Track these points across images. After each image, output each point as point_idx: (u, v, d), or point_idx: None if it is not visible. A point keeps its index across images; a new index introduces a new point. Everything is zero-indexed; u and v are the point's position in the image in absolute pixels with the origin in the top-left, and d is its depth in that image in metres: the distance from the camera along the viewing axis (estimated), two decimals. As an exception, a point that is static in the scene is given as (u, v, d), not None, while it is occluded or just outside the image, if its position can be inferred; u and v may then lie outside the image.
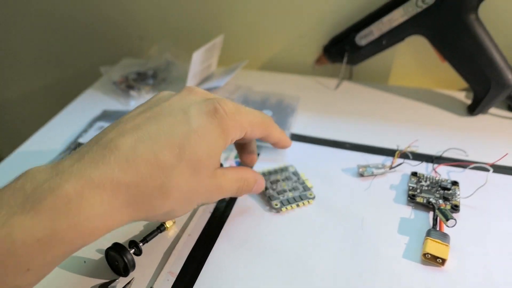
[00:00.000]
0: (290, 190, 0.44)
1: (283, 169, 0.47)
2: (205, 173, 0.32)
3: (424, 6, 0.55)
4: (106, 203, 0.27)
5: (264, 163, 0.49)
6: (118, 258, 0.35)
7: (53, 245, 0.26)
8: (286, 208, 0.42)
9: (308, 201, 0.43)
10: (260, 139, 0.40)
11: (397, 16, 0.57)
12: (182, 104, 0.32)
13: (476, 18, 0.54)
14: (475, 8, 0.54)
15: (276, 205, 0.42)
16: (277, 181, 0.45)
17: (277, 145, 0.42)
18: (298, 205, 0.43)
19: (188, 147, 0.30)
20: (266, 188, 0.44)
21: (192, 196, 0.32)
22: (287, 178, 0.45)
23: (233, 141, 0.35)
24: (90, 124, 0.57)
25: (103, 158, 0.28)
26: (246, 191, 0.38)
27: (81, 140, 0.53)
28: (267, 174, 0.46)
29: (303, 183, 0.45)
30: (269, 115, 0.42)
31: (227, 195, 0.36)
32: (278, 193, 0.44)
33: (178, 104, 0.32)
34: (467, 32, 0.54)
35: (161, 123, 0.31)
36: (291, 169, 0.47)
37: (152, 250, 0.39)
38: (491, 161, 0.46)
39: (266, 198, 0.43)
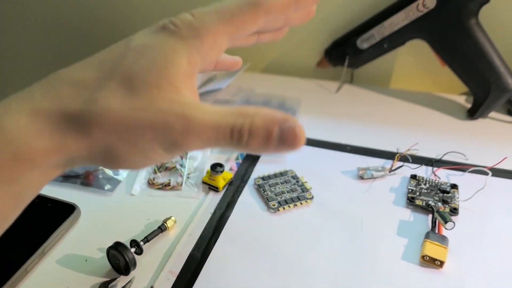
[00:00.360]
0: (288, 192, 0.45)
1: (282, 173, 0.47)
2: (150, 95, 0.23)
3: (425, 10, 0.55)
4: (24, 127, 0.23)
5: (263, 165, 0.49)
6: (119, 257, 0.36)
7: None
8: (284, 208, 0.43)
9: (306, 201, 0.43)
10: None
11: (398, 20, 0.57)
12: (132, 35, 0.26)
13: (476, 22, 0.54)
14: (475, 13, 0.54)
15: (274, 205, 0.43)
16: (276, 184, 0.46)
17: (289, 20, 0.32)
18: (295, 205, 0.43)
19: (121, 65, 0.24)
20: (264, 190, 0.45)
21: (137, 126, 0.23)
22: (286, 181, 0.46)
23: (215, 54, 0.26)
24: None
25: (29, 88, 0.25)
26: (254, 140, 0.22)
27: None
28: (266, 179, 0.46)
29: (302, 185, 0.45)
30: None
31: (206, 138, 0.23)
32: (276, 194, 0.44)
33: (131, 35, 0.26)
34: (467, 37, 0.54)
35: (100, 52, 0.26)
36: (290, 174, 0.47)
37: (153, 250, 0.39)
38: (490, 165, 0.47)
39: (264, 199, 0.44)
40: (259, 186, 0.45)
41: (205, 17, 0.25)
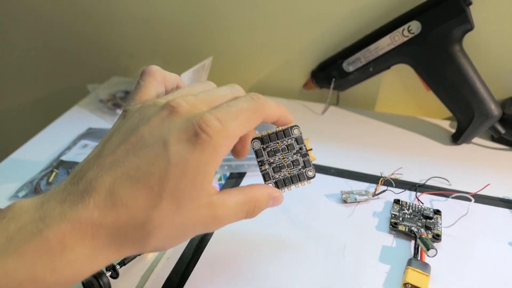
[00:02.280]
0: (288, 166, 0.37)
1: (285, 133, 0.38)
2: (192, 206, 0.29)
3: (410, 36, 0.56)
4: (87, 246, 0.26)
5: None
6: (94, 281, 0.35)
7: None
8: (282, 190, 0.37)
9: (308, 182, 0.38)
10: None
11: (384, 45, 0.58)
12: (162, 131, 0.29)
13: (460, 49, 0.55)
14: (459, 39, 0.55)
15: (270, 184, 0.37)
16: (277, 151, 0.38)
17: (279, 123, 0.36)
18: (296, 186, 0.37)
19: (167, 184, 0.28)
20: (262, 163, 0.37)
21: (182, 231, 0.30)
22: (288, 148, 0.38)
23: (227, 152, 0.31)
24: (74, 142, 0.56)
25: (82, 201, 0.27)
26: (259, 211, 0.33)
27: (63, 158, 0.52)
28: (266, 140, 0.38)
29: (305, 155, 0.38)
30: (255, 93, 0.33)
31: (231, 222, 0.32)
32: (274, 170, 0.37)
33: (157, 131, 0.29)
34: (451, 63, 0.55)
35: (140, 158, 0.28)
36: (295, 133, 0.38)
37: (130, 273, 0.38)
38: (473, 191, 0.47)
39: (261, 175, 0.38)
40: (256, 153, 0.38)
41: (229, 124, 0.29)
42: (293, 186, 0.37)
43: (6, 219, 0.27)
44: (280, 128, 0.37)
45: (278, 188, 0.37)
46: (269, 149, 0.37)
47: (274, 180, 0.37)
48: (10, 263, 0.25)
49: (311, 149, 0.38)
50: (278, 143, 0.37)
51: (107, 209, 0.27)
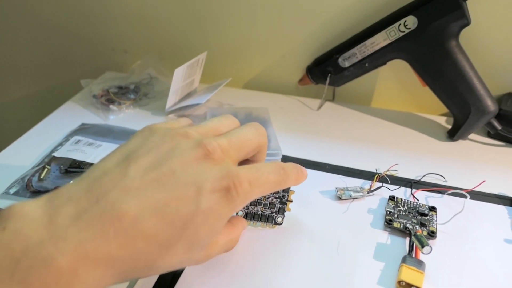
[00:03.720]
0: (264, 205, 0.40)
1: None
2: (199, 249, 0.30)
3: (406, 31, 0.55)
4: (97, 277, 0.25)
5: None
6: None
7: None
8: (248, 223, 0.40)
9: (272, 226, 0.41)
10: None
11: (380, 40, 0.57)
12: (197, 174, 0.29)
13: (457, 44, 0.55)
14: (456, 35, 0.54)
15: (240, 213, 0.40)
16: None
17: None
18: (261, 226, 0.41)
19: (190, 228, 0.28)
20: None
21: (179, 267, 0.31)
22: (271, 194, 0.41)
23: None
24: (67, 138, 0.56)
25: (102, 228, 0.26)
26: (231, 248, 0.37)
27: (56, 154, 0.52)
28: None
29: (283, 203, 0.41)
30: (279, 161, 0.38)
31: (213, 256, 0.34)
32: (251, 202, 0.40)
33: (192, 173, 0.29)
34: (447, 58, 0.54)
35: (170, 194, 0.28)
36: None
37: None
38: (469, 187, 0.46)
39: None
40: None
41: (256, 190, 0.31)
42: (258, 223, 0.40)
43: (8, 232, 0.24)
44: None
45: (246, 218, 0.40)
46: None
47: (246, 210, 0.40)
48: None
49: (291, 201, 0.41)
50: None
51: (127, 241, 0.26)
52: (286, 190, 0.41)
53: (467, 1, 0.53)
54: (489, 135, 0.59)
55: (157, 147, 0.31)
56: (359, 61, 0.60)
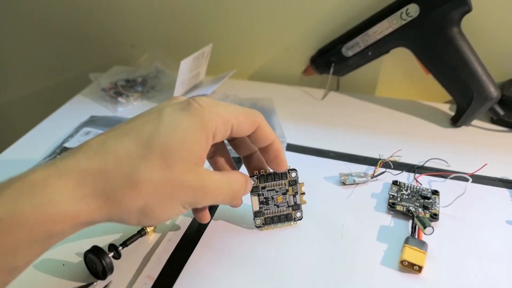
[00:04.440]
0: (279, 206, 0.40)
1: (283, 175, 0.40)
2: (181, 167, 0.29)
3: (408, 19, 0.56)
4: (71, 190, 0.27)
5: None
6: (97, 261, 0.35)
7: (14, 226, 0.26)
8: (267, 228, 0.40)
9: (294, 223, 0.41)
10: (252, 141, 0.36)
11: (382, 28, 0.58)
12: (159, 106, 0.33)
13: (458, 31, 0.55)
14: (457, 22, 0.55)
15: (258, 223, 0.40)
16: (273, 191, 0.40)
17: (270, 152, 0.37)
18: (280, 227, 0.41)
19: (158, 139, 0.29)
20: (259, 194, 0.39)
21: (170, 191, 0.29)
22: (281, 189, 0.40)
23: (219, 136, 0.32)
24: (77, 129, 0.57)
25: (73, 152, 0.29)
26: (240, 196, 0.36)
27: (66, 145, 0.53)
28: (263, 179, 0.39)
29: (296, 199, 0.40)
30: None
31: (218, 199, 0.33)
32: (266, 208, 0.40)
33: (155, 108, 0.33)
34: (449, 45, 0.55)
35: (135, 122, 0.31)
36: (293, 176, 0.40)
37: (132, 254, 0.39)
38: (471, 171, 0.47)
39: (253, 211, 0.40)
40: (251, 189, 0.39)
41: (221, 108, 0.32)
42: (279, 224, 0.40)
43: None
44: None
45: (265, 225, 0.40)
46: (266, 188, 0.39)
47: (264, 217, 0.40)
48: None
49: (303, 193, 0.41)
50: (275, 183, 0.40)
51: (96, 156, 0.28)
52: (294, 183, 0.40)
53: (468, -12, 0.53)
54: (492, 121, 0.59)
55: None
56: (362, 50, 0.61)
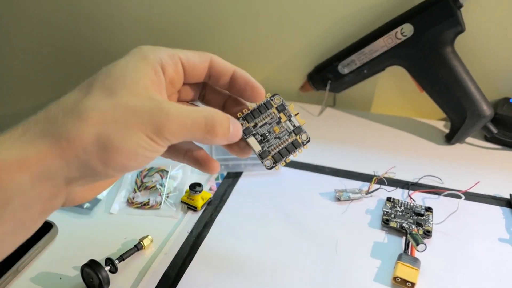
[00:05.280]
0: (280, 137, 0.35)
1: (267, 105, 0.35)
2: (126, 92, 0.27)
3: (403, 38, 0.57)
4: (16, 137, 0.26)
5: (244, 182, 0.50)
6: (93, 275, 0.36)
7: None
8: (281, 164, 0.35)
9: (304, 147, 0.35)
10: (212, 79, 0.33)
11: (378, 47, 0.59)
12: None
13: (452, 50, 0.56)
14: (451, 41, 0.56)
15: (268, 164, 0.35)
16: (266, 124, 0.35)
17: (240, 81, 0.34)
18: (293, 155, 0.35)
19: (98, 77, 0.28)
20: (253, 134, 0.35)
21: (121, 117, 0.26)
22: (273, 120, 0.35)
23: (171, 70, 0.30)
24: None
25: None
26: (219, 130, 0.29)
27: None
28: (250, 118, 0.35)
29: (294, 122, 0.35)
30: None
31: (186, 126, 0.28)
32: (269, 145, 0.35)
33: None
34: (443, 64, 0.56)
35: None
36: (277, 102, 0.35)
37: (128, 268, 0.39)
38: (464, 189, 0.48)
39: (257, 154, 0.35)
40: (244, 133, 0.34)
41: (161, 49, 0.30)
42: (291, 156, 0.35)
43: None
44: (261, 102, 0.34)
45: (276, 162, 0.35)
46: (258, 125, 0.35)
47: (272, 155, 0.35)
48: None
49: (297, 113, 0.35)
50: (264, 116, 0.35)
51: (42, 110, 0.27)
52: (283, 107, 0.35)
53: (461, 9, 0.55)
54: (486, 138, 0.60)
55: None
56: (358, 67, 0.62)
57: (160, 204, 0.47)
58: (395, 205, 0.46)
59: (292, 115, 0.35)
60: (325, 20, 0.65)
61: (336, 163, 0.54)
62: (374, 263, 0.40)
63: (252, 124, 0.34)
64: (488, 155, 0.57)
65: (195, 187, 0.46)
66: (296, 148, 0.35)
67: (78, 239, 0.43)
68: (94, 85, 0.27)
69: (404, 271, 0.37)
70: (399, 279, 0.37)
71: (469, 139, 0.60)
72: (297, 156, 0.35)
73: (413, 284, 0.36)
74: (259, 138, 0.35)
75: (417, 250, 0.39)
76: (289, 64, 0.71)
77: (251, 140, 0.35)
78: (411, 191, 0.49)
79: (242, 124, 0.34)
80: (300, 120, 0.35)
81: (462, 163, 0.55)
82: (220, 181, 0.51)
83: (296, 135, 0.35)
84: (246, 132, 0.34)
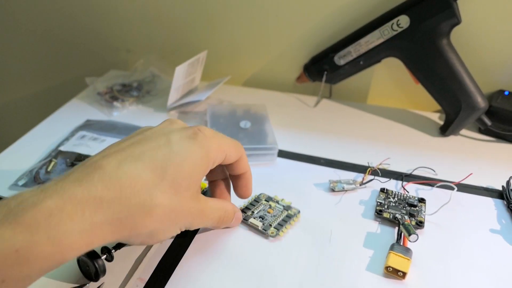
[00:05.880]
0: (275, 215, 0.44)
1: (257, 200, 0.46)
2: (187, 194, 0.33)
3: (399, 30, 0.57)
4: (87, 218, 0.27)
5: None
6: (89, 263, 0.36)
7: (31, 257, 0.26)
8: (283, 231, 0.42)
9: (297, 217, 0.44)
10: (230, 168, 0.40)
11: (374, 39, 0.59)
12: (164, 131, 0.34)
13: (448, 43, 0.56)
14: (447, 33, 0.56)
15: (273, 232, 0.42)
16: (262, 210, 0.45)
17: (243, 180, 0.41)
18: (290, 224, 0.43)
19: (170, 167, 0.31)
20: (254, 217, 0.44)
21: (176, 217, 0.32)
22: (267, 206, 0.45)
23: (215, 164, 0.36)
24: (73, 133, 0.58)
25: (87, 176, 0.29)
26: (226, 222, 0.39)
27: (62, 148, 0.54)
28: (246, 211, 0.44)
29: (281, 204, 0.45)
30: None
31: (208, 223, 0.37)
32: (264, 218, 0.44)
33: (160, 131, 0.34)
34: (439, 56, 0.56)
35: (145, 146, 0.32)
36: (262, 198, 0.46)
37: (125, 257, 0.40)
38: (457, 180, 0.48)
39: (260, 231, 0.43)
40: (244, 220, 0.43)
41: (219, 137, 0.36)
42: (288, 225, 0.43)
43: (8, 199, 0.27)
44: (252, 199, 0.46)
45: (278, 230, 0.42)
46: (255, 212, 0.44)
47: (274, 226, 0.43)
48: (8, 231, 0.25)
49: (282, 199, 0.46)
50: (257, 205, 0.45)
51: (111, 183, 0.29)
52: (269, 199, 0.46)
53: (457, 1, 0.55)
54: (480, 131, 0.61)
55: (134, 133, 0.36)
56: (354, 59, 0.62)
57: (156, 194, 0.47)
58: (389, 196, 0.47)
59: (279, 201, 0.46)
60: (321, 10, 0.65)
61: (331, 154, 0.55)
62: (367, 253, 0.40)
63: (249, 212, 0.44)
64: (482, 147, 0.58)
65: (190, 177, 0.46)
66: (291, 218, 0.44)
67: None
68: (165, 178, 0.31)
69: (396, 261, 0.38)
70: (391, 269, 0.37)
71: (463, 131, 0.61)
72: (294, 224, 0.44)
73: (404, 273, 0.37)
74: (259, 218, 0.43)
75: (409, 241, 0.39)
76: (285, 55, 0.71)
77: (253, 221, 0.43)
78: (404, 182, 0.49)
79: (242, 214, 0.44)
80: (287, 202, 0.46)
81: (456, 155, 0.56)
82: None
83: (287, 211, 0.44)
84: (246, 218, 0.43)
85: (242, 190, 0.42)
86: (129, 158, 0.31)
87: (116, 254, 0.39)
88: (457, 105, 0.57)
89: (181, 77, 0.64)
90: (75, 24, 0.80)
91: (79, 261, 0.38)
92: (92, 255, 0.36)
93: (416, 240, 0.39)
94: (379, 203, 0.45)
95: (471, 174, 0.48)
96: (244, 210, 0.45)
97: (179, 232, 0.34)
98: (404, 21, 0.57)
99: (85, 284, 0.37)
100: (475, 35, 0.60)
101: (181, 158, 0.32)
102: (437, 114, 0.66)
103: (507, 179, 0.49)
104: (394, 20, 0.57)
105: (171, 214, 0.32)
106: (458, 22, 0.55)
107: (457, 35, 0.58)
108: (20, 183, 0.49)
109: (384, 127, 0.62)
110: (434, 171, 0.52)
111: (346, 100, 0.70)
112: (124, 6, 0.75)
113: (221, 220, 0.38)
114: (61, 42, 0.84)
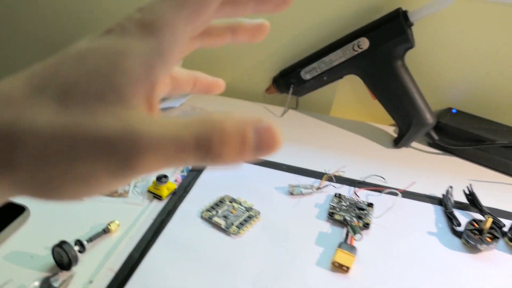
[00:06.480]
0: (237, 215, 0.48)
1: (221, 201, 0.50)
2: (88, 108, 0.17)
3: (359, 51, 0.63)
4: None
5: (208, 177, 0.54)
6: (63, 254, 0.40)
7: None
8: (244, 230, 0.47)
9: (257, 217, 0.48)
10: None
11: (337, 57, 0.65)
12: None
13: (402, 64, 0.62)
14: (402, 56, 0.62)
15: (234, 231, 0.46)
16: (226, 210, 0.49)
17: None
18: (251, 224, 0.48)
19: (55, 76, 0.18)
20: (218, 216, 0.48)
21: (70, 144, 0.16)
22: (231, 207, 0.50)
23: (174, 55, 0.20)
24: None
25: None
26: (231, 143, 0.17)
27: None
28: (211, 209, 0.49)
29: (244, 205, 0.50)
30: None
31: (167, 151, 0.17)
32: (227, 218, 0.48)
33: None
34: (394, 76, 0.62)
35: (36, 64, 0.20)
36: (227, 199, 0.51)
37: (96, 249, 0.43)
38: (403, 188, 0.54)
39: (222, 229, 0.47)
40: (209, 218, 0.48)
41: (155, 9, 0.20)
42: (249, 224, 0.47)
43: None
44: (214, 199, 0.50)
45: (239, 228, 0.47)
46: (218, 212, 0.49)
47: (235, 225, 0.47)
48: None
49: (245, 201, 0.51)
50: (221, 207, 0.49)
51: None
52: (233, 200, 0.50)
53: (411, 27, 0.61)
54: (429, 144, 0.67)
55: None
56: (319, 74, 0.67)
57: (128, 192, 0.51)
58: (341, 200, 0.52)
59: (242, 202, 0.50)
60: (291, 29, 0.70)
61: (293, 161, 0.60)
62: (318, 250, 0.45)
63: (214, 212, 0.48)
64: (429, 159, 0.64)
65: (161, 178, 0.50)
66: (252, 218, 0.48)
67: (50, 222, 0.46)
68: (46, 87, 0.18)
69: (342, 257, 0.43)
70: (337, 264, 0.42)
71: (414, 144, 0.67)
72: (254, 224, 0.48)
73: (348, 268, 0.42)
74: (222, 217, 0.47)
75: (355, 240, 0.44)
76: (256, 68, 0.76)
77: (217, 219, 0.47)
78: (356, 188, 0.55)
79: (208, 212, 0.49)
80: (249, 204, 0.50)
81: (405, 165, 0.61)
82: (185, 173, 0.55)
83: (249, 211, 0.49)
84: (211, 217, 0.47)
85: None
86: (5, 79, 0.17)
87: (88, 246, 0.42)
88: (408, 121, 0.63)
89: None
90: (76, 27, 0.83)
91: (53, 252, 0.41)
92: (65, 246, 0.40)
93: (361, 239, 0.44)
94: (332, 207, 0.50)
95: (414, 182, 0.54)
96: (209, 210, 0.49)
97: (110, 179, 0.17)
98: (364, 43, 0.62)
99: (56, 273, 0.40)
100: (427, 58, 0.67)
101: (76, 60, 0.19)
102: (392, 128, 0.71)
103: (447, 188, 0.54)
104: (355, 42, 0.63)
105: (60, 140, 0.16)
106: (411, 46, 0.61)
107: (411, 58, 0.64)
108: None
109: (343, 138, 0.68)
110: (384, 179, 0.57)
111: (311, 112, 0.75)
112: (126, 11, 0.78)
113: (203, 140, 0.17)
114: (62, 46, 0.85)
